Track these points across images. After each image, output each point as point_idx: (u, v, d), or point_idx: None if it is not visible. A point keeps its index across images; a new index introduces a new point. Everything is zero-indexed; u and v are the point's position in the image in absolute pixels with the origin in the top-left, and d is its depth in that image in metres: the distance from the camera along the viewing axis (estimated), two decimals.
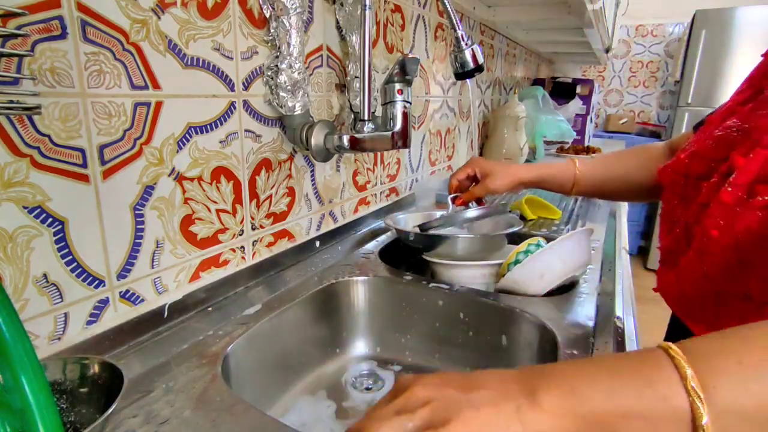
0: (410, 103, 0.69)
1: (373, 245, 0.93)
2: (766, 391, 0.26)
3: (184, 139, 0.58)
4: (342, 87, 0.87)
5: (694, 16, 3.25)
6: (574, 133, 2.22)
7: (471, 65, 0.71)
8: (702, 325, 0.50)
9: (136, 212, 0.54)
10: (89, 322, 0.51)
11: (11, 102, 0.40)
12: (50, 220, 0.45)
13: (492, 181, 0.81)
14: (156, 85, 0.54)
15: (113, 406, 0.36)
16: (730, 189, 0.44)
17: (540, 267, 0.73)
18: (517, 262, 0.75)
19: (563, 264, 0.73)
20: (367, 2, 0.66)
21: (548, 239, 0.79)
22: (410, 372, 0.74)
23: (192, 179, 0.60)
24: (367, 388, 0.70)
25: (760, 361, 0.26)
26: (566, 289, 0.75)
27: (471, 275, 0.81)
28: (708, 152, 0.51)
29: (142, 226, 0.54)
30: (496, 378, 0.31)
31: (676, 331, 0.62)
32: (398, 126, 0.68)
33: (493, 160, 0.82)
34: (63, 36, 0.44)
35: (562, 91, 2.79)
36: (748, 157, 0.44)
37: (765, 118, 0.46)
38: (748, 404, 0.26)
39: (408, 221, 0.96)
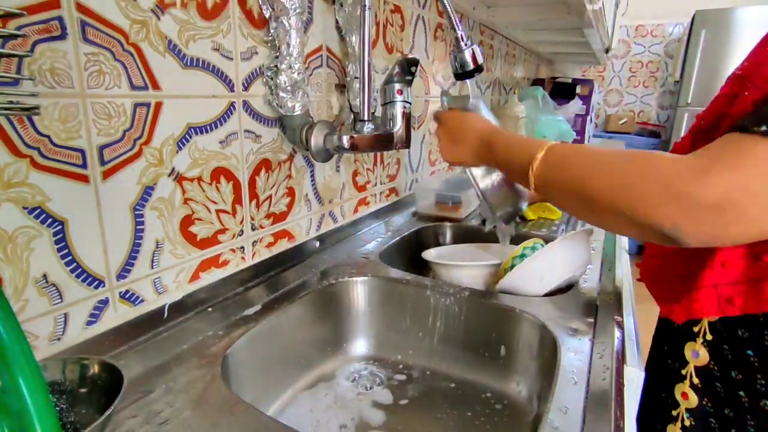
0: (410, 103, 0.69)
1: (373, 245, 0.93)
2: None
3: (183, 140, 0.58)
4: (342, 87, 0.86)
5: (693, 16, 3.25)
6: (574, 133, 2.22)
7: (471, 65, 0.70)
8: (676, 305, 0.52)
9: (136, 212, 0.54)
10: (89, 323, 0.51)
11: (11, 102, 0.40)
12: (50, 220, 0.45)
13: None
14: (156, 86, 0.54)
15: (113, 407, 0.36)
16: None
17: (540, 268, 0.73)
18: (513, 266, 0.75)
19: (563, 265, 0.73)
20: (367, 2, 0.66)
21: (548, 239, 0.79)
22: (410, 372, 0.74)
23: (192, 179, 0.60)
24: (367, 388, 0.70)
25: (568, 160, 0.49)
26: (566, 289, 0.75)
27: (470, 276, 0.81)
28: (684, 145, 0.56)
29: (142, 227, 0.54)
30: (469, 144, 0.66)
31: (666, 323, 0.63)
32: (398, 126, 0.69)
33: None
34: (63, 36, 0.44)
35: (561, 91, 2.79)
36: (680, 140, 0.54)
37: (703, 111, 0.53)
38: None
39: None
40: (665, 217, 0.37)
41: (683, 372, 0.55)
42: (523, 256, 0.76)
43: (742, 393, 0.50)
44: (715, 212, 0.35)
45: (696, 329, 0.54)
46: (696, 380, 0.54)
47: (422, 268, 0.92)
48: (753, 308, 0.45)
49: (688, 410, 0.55)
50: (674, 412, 0.57)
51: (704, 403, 0.54)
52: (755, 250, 0.45)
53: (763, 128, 0.35)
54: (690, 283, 0.49)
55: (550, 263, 0.73)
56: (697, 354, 0.53)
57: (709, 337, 0.52)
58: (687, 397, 0.55)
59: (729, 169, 0.35)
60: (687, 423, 0.56)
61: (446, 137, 0.69)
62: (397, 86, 0.67)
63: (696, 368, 0.54)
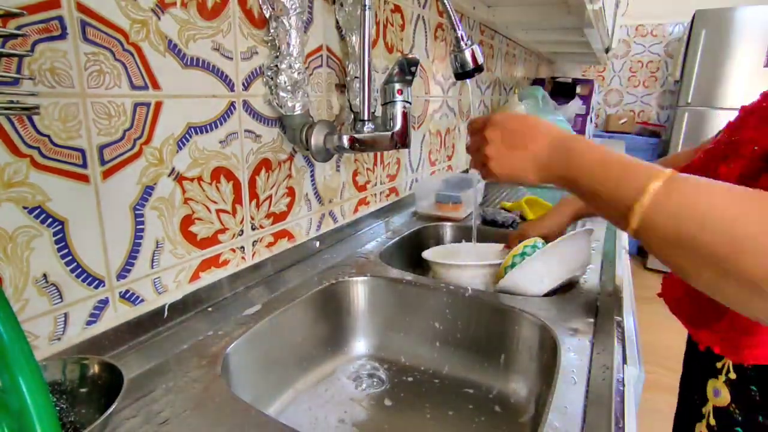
0: (410, 103, 0.69)
1: (373, 245, 0.93)
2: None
3: (183, 139, 0.58)
4: (342, 87, 0.86)
5: (693, 16, 3.25)
6: (574, 133, 2.21)
7: (471, 65, 0.70)
8: (702, 330, 0.50)
9: (136, 212, 0.54)
10: (89, 323, 0.51)
11: (11, 102, 0.40)
12: (50, 220, 0.45)
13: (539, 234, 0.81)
14: (156, 86, 0.54)
15: (113, 406, 0.36)
16: None
17: (540, 268, 0.72)
18: (513, 264, 0.75)
19: (564, 265, 0.73)
20: (367, 2, 0.66)
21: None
22: (409, 372, 0.74)
23: (192, 179, 0.60)
24: (367, 388, 0.70)
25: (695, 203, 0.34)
26: (566, 289, 0.75)
27: (470, 275, 0.80)
28: (700, 165, 0.51)
29: (142, 227, 0.54)
30: (532, 148, 0.48)
31: (692, 346, 0.59)
32: (398, 126, 0.68)
33: (525, 226, 0.86)
34: (63, 36, 0.44)
35: (562, 91, 2.79)
36: (729, 167, 0.45)
37: (747, 129, 0.46)
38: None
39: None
40: None
41: (703, 410, 0.51)
42: (523, 254, 0.76)
43: None
44: None
45: (719, 365, 0.49)
46: (713, 421, 0.49)
47: (422, 268, 0.92)
48: None
49: None
50: None
51: None
52: None
53: None
54: (725, 311, 0.43)
55: (551, 263, 0.73)
56: (718, 393, 0.48)
57: (732, 375, 0.47)
58: None
59: None
60: None
61: (501, 141, 0.50)
62: (397, 86, 0.67)
63: (714, 408, 0.49)
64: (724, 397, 0.48)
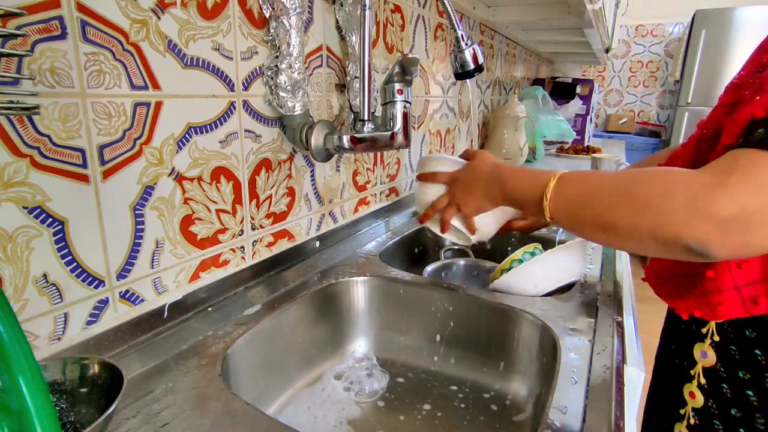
0: (410, 103, 0.69)
1: (373, 245, 0.93)
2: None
3: (183, 139, 0.58)
4: (342, 87, 0.86)
5: (694, 16, 3.25)
6: (574, 133, 2.22)
7: (471, 65, 0.70)
8: (680, 301, 0.53)
9: (136, 212, 0.54)
10: (89, 323, 0.51)
11: (11, 102, 0.40)
12: (50, 220, 0.45)
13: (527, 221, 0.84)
14: (156, 86, 0.54)
15: (113, 406, 0.36)
16: None
17: (535, 274, 0.73)
18: (510, 269, 0.75)
19: (558, 273, 0.74)
20: (367, 2, 0.66)
21: (547, 240, 0.79)
22: (409, 372, 0.74)
23: (192, 179, 0.60)
24: (367, 388, 0.70)
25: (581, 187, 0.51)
26: (566, 289, 0.75)
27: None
28: (687, 154, 0.57)
29: (142, 227, 0.54)
30: (480, 188, 0.67)
31: (673, 323, 0.63)
32: (398, 126, 0.68)
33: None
34: (63, 36, 0.44)
35: (562, 91, 2.79)
36: (682, 148, 0.54)
37: (704, 119, 0.54)
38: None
39: None
40: (692, 236, 0.39)
41: (692, 372, 0.56)
42: (521, 260, 0.76)
43: (750, 392, 0.50)
44: (738, 224, 0.37)
45: (704, 330, 0.54)
46: (703, 380, 0.55)
47: (422, 268, 0.92)
48: None
49: (694, 409, 0.56)
50: (681, 411, 0.58)
51: (709, 404, 0.54)
52: None
53: None
54: (698, 281, 0.49)
55: (546, 270, 0.73)
56: (705, 354, 0.54)
57: (716, 338, 0.53)
58: (694, 396, 0.56)
59: (745, 180, 0.37)
60: (692, 422, 0.56)
61: (459, 190, 0.70)
62: (397, 86, 0.67)
63: (703, 368, 0.55)
64: (711, 358, 0.53)
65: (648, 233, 0.42)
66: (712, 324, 0.53)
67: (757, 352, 0.49)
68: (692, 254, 0.40)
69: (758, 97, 0.41)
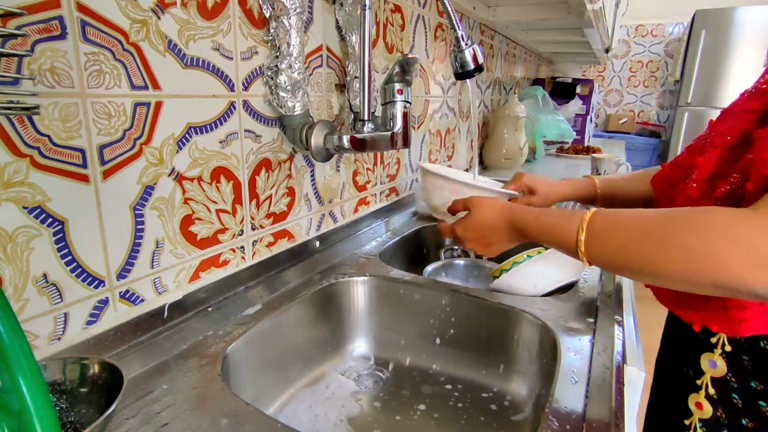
0: (410, 103, 0.69)
1: (373, 245, 0.93)
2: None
3: (183, 139, 0.58)
4: (342, 87, 0.86)
5: (694, 16, 3.25)
6: (574, 133, 2.22)
7: (471, 65, 0.70)
8: (692, 313, 0.52)
9: (136, 212, 0.54)
10: (89, 323, 0.51)
11: (11, 102, 0.40)
12: (50, 220, 0.45)
13: (537, 199, 0.83)
14: (156, 86, 0.54)
15: (113, 406, 0.36)
16: (694, 185, 0.51)
17: (535, 274, 0.73)
18: (510, 268, 0.75)
19: (558, 273, 0.74)
20: (367, 2, 0.66)
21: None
22: (410, 372, 0.73)
23: (192, 179, 0.60)
24: (367, 388, 0.70)
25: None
26: (566, 289, 0.75)
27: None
28: (683, 160, 0.57)
29: (142, 227, 0.54)
30: (498, 241, 0.62)
31: (673, 326, 0.63)
32: (398, 126, 0.68)
33: (536, 176, 0.86)
34: (63, 36, 0.44)
35: (562, 91, 2.79)
36: (704, 156, 0.51)
37: (722, 124, 0.53)
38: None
39: None
40: (738, 277, 0.38)
41: (698, 382, 0.55)
42: (522, 262, 0.76)
43: (762, 403, 0.50)
44: None
45: (714, 340, 0.53)
46: (711, 391, 0.54)
47: (421, 268, 0.92)
48: None
49: (701, 420, 0.55)
50: (686, 422, 0.57)
51: (719, 414, 0.53)
52: None
53: None
54: (713, 297, 0.48)
55: (546, 270, 0.73)
56: (714, 364, 0.53)
57: (728, 348, 0.52)
58: (701, 407, 0.55)
59: None
60: None
61: (478, 246, 0.65)
62: (397, 86, 0.67)
63: (712, 379, 0.54)
64: (721, 368, 0.53)
65: (708, 281, 0.39)
66: (723, 335, 0.52)
67: None
68: (738, 294, 0.39)
69: None
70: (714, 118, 0.58)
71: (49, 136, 0.44)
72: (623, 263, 0.46)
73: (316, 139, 0.71)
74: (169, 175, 0.57)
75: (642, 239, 0.44)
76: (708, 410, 0.54)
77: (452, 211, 0.71)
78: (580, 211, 0.51)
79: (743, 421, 0.51)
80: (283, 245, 0.78)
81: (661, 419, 0.63)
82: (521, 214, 0.59)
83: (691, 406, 0.56)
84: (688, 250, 0.40)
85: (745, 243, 0.38)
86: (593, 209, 0.50)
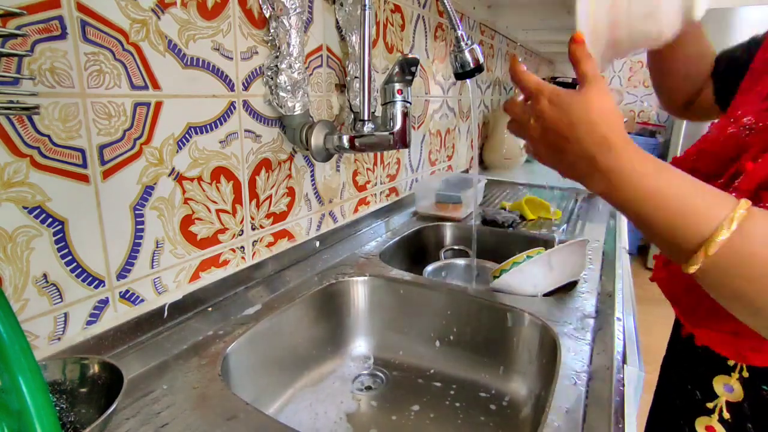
0: (410, 103, 0.69)
1: (373, 245, 0.93)
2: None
3: (183, 139, 0.58)
4: (342, 87, 0.86)
5: None
6: None
7: (471, 65, 0.70)
8: (705, 331, 0.50)
9: (136, 212, 0.54)
10: (89, 323, 0.51)
11: (11, 102, 0.40)
12: (50, 220, 0.45)
13: None
14: (156, 86, 0.54)
15: (113, 406, 0.36)
16: (734, 194, 0.38)
17: (535, 274, 0.73)
18: (511, 269, 0.75)
19: (557, 272, 0.74)
20: (367, 2, 0.66)
21: (548, 243, 0.79)
22: (410, 372, 0.73)
23: (192, 179, 0.60)
24: (367, 388, 0.70)
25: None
26: (566, 289, 0.75)
27: None
28: (718, 150, 0.47)
29: (142, 227, 0.54)
30: (570, 158, 0.40)
31: (685, 340, 0.60)
32: (398, 126, 0.68)
33: None
34: (63, 36, 0.44)
35: None
36: (757, 162, 0.41)
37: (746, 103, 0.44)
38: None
39: None
40: None
41: (709, 405, 0.51)
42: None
43: None
44: None
45: (731, 363, 0.49)
46: (727, 415, 0.50)
47: (422, 268, 0.92)
48: None
49: None
50: None
51: None
52: None
53: None
54: (734, 319, 0.41)
55: (546, 270, 0.73)
56: (730, 389, 0.49)
57: (745, 374, 0.48)
58: (713, 431, 0.51)
59: None
60: None
61: (540, 138, 0.44)
62: (397, 86, 0.67)
63: (728, 404, 0.50)
64: (738, 393, 0.48)
65: None
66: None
67: None
68: None
69: None
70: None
71: (49, 136, 0.44)
72: (744, 296, 0.33)
73: (316, 139, 0.71)
74: (169, 175, 0.57)
75: None
76: None
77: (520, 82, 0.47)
78: (727, 195, 0.35)
79: None
80: (283, 245, 0.78)
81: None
82: (623, 142, 0.38)
83: (700, 429, 0.51)
84: None
85: None
86: (748, 202, 0.33)
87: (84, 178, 0.48)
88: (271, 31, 0.67)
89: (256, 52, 0.67)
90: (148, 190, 0.54)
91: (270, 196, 0.73)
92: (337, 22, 0.81)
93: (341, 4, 0.79)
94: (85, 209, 0.48)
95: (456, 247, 1.07)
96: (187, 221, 0.60)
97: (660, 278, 0.55)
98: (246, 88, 0.66)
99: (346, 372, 0.73)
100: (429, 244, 1.09)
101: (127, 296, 0.54)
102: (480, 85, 1.80)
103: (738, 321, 0.37)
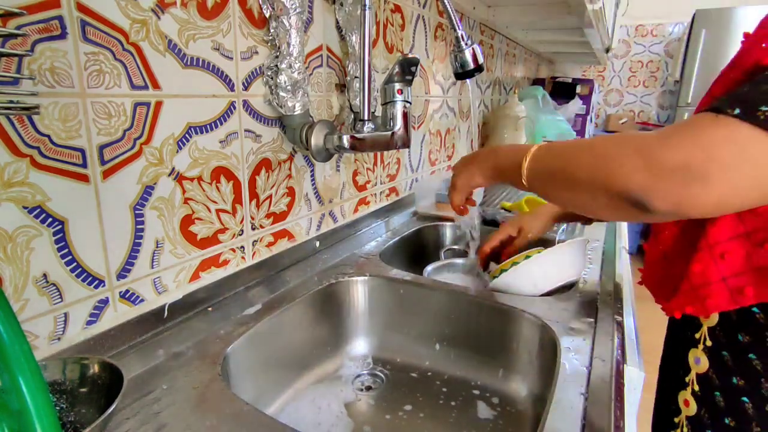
0: (410, 103, 0.69)
1: (373, 245, 0.93)
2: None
3: (183, 139, 0.58)
4: (342, 87, 0.86)
5: (694, 15, 3.25)
6: (574, 133, 2.22)
7: (471, 65, 0.70)
8: (673, 300, 0.52)
9: (136, 212, 0.54)
10: (89, 322, 0.51)
11: (11, 102, 0.40)
12: (50, 220, 0.45)
13: (530, 230, 0.84)
14: (156, 85, 0.54)
15: (113, 406, 0.36)
16: None
17: (534, 273, 0.73)
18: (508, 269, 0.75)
19: (558, 272, 0.74)
20: (367, 2, 0.66)
21: (547, 243, 0.79)
22: (409, 372, 0.73)
23: (192, 179, 0.60)
24: (367, 388, 0.70)
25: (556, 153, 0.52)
26: (566, 289, 0.75)
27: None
28: None
29: (142, 226, 0.54)
30: (476, 162, 0.65)
31: (672, 329, 0.63)
32: (398, 126, 0.68)
33: (519, 216, 0.88)
34: (63, 36, 0.44)
35: (562, 91, 2.80)
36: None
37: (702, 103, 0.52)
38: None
39: None
40: (635, 182, 0.39)
41: (686, 379, 0.55)
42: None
43: (745, 399, 0.49)
44: (678, 175, 0.37)
45: (697, 336, 0.53)
46: (696, 387, 0.53)
47: (422, 268, 0.92)
48: (765, 297, 0.45)
49: (688, 418, 0.55)
50: (676, 419, 0.57)
51: (702, 413, 0.53)
52: (754, 238, 0.45)
53: (736, 111, 0.36)
54: (687, 278, 0.49)
55: (545, 269, 0.73)
56: (698, 361, 0.53)
57: (708, 343, 0.52)
58: (688, 404, 0.55)
59: (693, 135, 0.38)
60: (686, 431, 0.55)
61: (461, 172, 0.69)
62: (397, 86, 0.67)
63: (697, 375, 0.53)
64: (704, 364, 0.52)
65: (600, 185, 0.42)
66: (705, 329, 0.52)
67: (751, 356, 0.48)
68: (632, 206, 0.40)
69: (732, 74, 0.42)
70: None
71: (49, 136, 0.44)
72: (550, 174, 0.51)
73: (316, 139, 0.71)
74: (169, 175, 0.57)
75: (569, 149, 0.49)
76: (693, 407, 0.54)
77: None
78: (530, 145, 0.57)
79: (726, 420, 0.51)
80: (283, 245, 0.78)
81: (659, 418, 0.63)
82: (504, 146, 0.65)
83: (680, 403, 0.56)
84: (592, 151, 0.44)
85: (634, 147, 0.40)
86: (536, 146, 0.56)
87: (84, 178, 0.48)
88: (271, 31, 0.67)
89: (256, 52, 0.67)
90: (148, 190, 0.54)
91: (270, 196, 0.73)
92: (337, 22, 0.81)
93: (341, 4, 0.79)
94: (85, 209, 0.48)
95: (456, 247, 1.07)
96: (187, 221, 0.60)
97: (644, 274, 0.60)
98: (246, 88, 0.66)
99: (346, 372, 0.73)
100: (429, 244, 1.09)
101: (127, 296, 0.54)
102: (480, 85, 1.80)
103: (689, 276, 0.47)
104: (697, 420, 0.54)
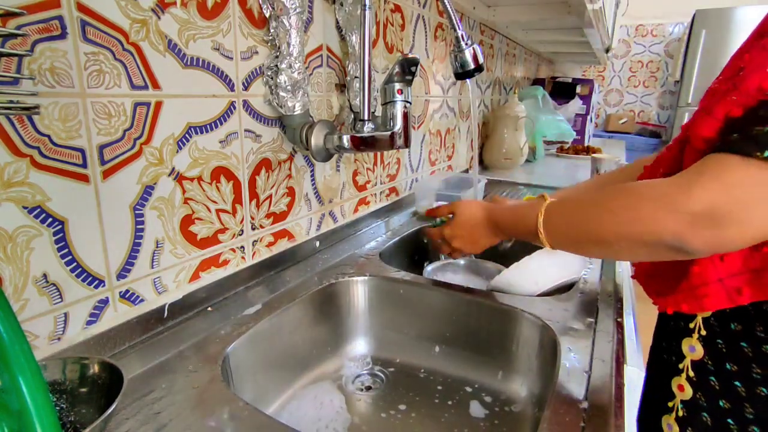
0: (410, 103, 0.69)
1: (373, 245, 0.93)
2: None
3: (183, 139, 0.58)
4: (342, 87, 0.86)
5: (694, 16, 3.25)
6: (574, 133, 2.22)
7: (471, 65, 0.70)
8: (669, 297, 0.54)
9: (136, 212, 0.54)
10: (89, 322, 0.51)
11: (11, 102, 0.40)
12: (50, 220, 0.45)
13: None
14: (156, 85, 0.54)
15: (113, 406, 0.36)
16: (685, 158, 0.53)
17: (535, 270, 0.73)
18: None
19: (559, 270, 0.74)
20: (367, 2, 0.66)
21: None
22: (409, 372, 0.74)
23: (192, 179, 0.60)
24: (367, 387, 0.70)
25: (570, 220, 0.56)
26: (566, 289, 0.75)
27: None
28: (671, 155, 0.58)
29: (142, 226, 0.54)
30: (480, 237, 0.73)
31: (663, 321, 0.64)
32: (398, 126, 0.68)
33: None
34: (63, 36, 0.44)
35: (562, 91, 2.80)
36: (670, 151, 0.55)
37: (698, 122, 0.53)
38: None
39: None
40: (669, 232, 0.42)
41: (680, 366, 0.57)
42: None
43: (738, 383, 0.52)
44: (708, 220, 0.40)
45: (692, 326, 0.56)
46: (691, 373, 0.56)
47: (422, 268, 0.92)
48: (760, 296, 0.47)
49: (683, 401, 0.57)
50: (670, 404, 0.59)
51: (698, 396, 0.55)
52: None
53: (757, 153, 0.38)
54: (684, 277, 0.51)
55: (546, 266, 0.73)
56: (693, 349, 0.56)
57: (703, 332, 0.54)
58: (683, 389, 0.57)
59: (713, 181, 0.40)
60: (681, 414, 0.57)
61: (466, 244, 0.75)
62: (397, 86, 0.67)
63: (691, 362, 0.56)
64: (699, 352, 0.55)
65: (635, 240, 0.45)
66: (699, 319, 0.54)
67: (743, 344, 0.51)
68: (674, 252, 0.43)
69: (734, 97, 0.42)
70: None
71: (49, 136, 0.44)
72: (575, 237, 0.54)
73: (316, 139, 0.71)
74: (169, 175, 0.57)
75: (583, 213, 0.52)
76: (689, 392, 0.56)
77: (435, 215, 0.83)
78: (543, 200, 0.59)
79: (720, 402, 0.53)
80: (283, 245, 0.78)
81: (649, 406, 0.64)
82: (498, 210, 0.70)
83: (674, 388, 0.58)
84: (614, 212, 0.47)
85: (658, 198, 0.43)
86: (547, 199, 0.59)
87: (84, 178, 0.48)
88: (271, 30, 0.67)
89: (256, 52, 0.67)
90: (148, 190, 0.54)
91: (270, 196, 0.73)
92: (337, 22, 0.81)
93: (341, 4, 0.79)
94: (85, 209, 0.48)
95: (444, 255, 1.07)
96: (187, 221, 0.60)
97: (637, 269, 0.62)
98: (246, 88, 0.66)
99: (346, 372, 0.73)
100: (429, 244, 1.09)
101: (127, 296, 0.54)
102: (480, 85, 1.80)
103: (688, 277, 0.49)
104: (692, 403, 0.56)
